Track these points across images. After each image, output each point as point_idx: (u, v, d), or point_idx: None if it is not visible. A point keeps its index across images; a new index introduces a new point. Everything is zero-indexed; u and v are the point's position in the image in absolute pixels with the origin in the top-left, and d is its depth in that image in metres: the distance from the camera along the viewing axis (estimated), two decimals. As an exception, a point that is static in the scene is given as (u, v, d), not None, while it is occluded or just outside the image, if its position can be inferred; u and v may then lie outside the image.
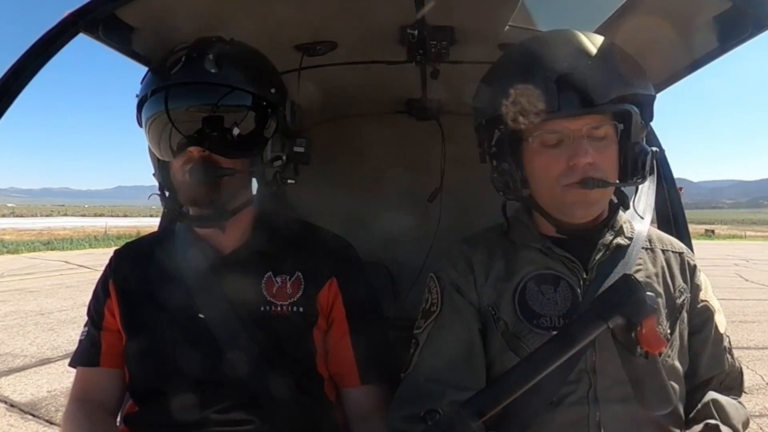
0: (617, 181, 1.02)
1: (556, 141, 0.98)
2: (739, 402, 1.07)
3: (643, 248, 1.09)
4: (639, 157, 1.00)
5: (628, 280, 0.91)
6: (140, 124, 1.14)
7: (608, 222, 1.07)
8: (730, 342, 1.11)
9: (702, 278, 1.12)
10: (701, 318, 1.08)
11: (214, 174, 1.08)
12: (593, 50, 0.96)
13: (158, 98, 1.08)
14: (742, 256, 22.28)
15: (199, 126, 1.08)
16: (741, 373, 1.11)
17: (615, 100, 0.95)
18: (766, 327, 7.75)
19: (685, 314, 1.07)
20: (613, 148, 1.00)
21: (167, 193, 1.16)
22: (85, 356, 1.22)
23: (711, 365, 1.08)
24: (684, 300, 1.07)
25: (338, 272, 1.20)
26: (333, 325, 1.20)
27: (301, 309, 1.15)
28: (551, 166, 0.99)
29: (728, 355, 1.09)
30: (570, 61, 0.95)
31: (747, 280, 13.57)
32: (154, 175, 1.18)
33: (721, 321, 1.10)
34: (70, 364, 1.24)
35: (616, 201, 1.10)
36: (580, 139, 0.96)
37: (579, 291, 1.03)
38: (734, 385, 1.10)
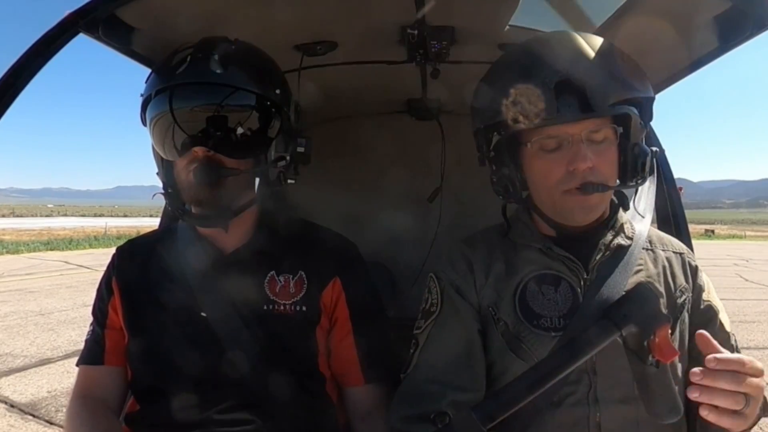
0: (617, 183, 1.01)
1: (555, 146, 0.98)
2: None
3: (643, 249, 1.08)
4: (639, 159, 1.00)
5: (642, 288, 0.90)
6: (144, 124, 1.14)
7: (608, 222, 1.07)
8: (736, 341, 1.10)
9: (704, 278, 1.12)
10: (705, 317, 1.08)
11: (218, 174, 1.08)
12: (591, 54, 0.96)
13: (163, 98, 1.08)
14: (741, 256, 22.27)
15: (204, 126, 1.07)
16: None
17: (614, 104, 0.94)
18: (766, 327, 7.76)
19: (686, 314, 1.06)
20: (613, 150, 0.99)
21: (171, 192, 1.16)
22: (89, 354, 1.22)
23: None
24: (685, 300, 1.07)
25: (342, 272, 1.20)
26: (336, 324, 1.20)
27: (304, 308, 1.15)
28: (551, 171, 0.99)
29: (737, 353, 1.07)
30: (568, 65, 0.94)
31: (747, 280, 13.57)
32: (157, 174, 1.18)
33: (725, 320, 1.09)
34: (77, 365, 1.24)
35: (616, 201, 1.10)
36: (579, 143, 0.96)
37: (579, 291, 1.02)
38: None
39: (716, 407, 0.79)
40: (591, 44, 0.98)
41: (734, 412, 0.80)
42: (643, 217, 1.12)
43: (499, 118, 0.98)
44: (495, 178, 1.07)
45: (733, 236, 47.62)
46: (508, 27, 1.30)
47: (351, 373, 1.21)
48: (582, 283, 1.03)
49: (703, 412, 0.79)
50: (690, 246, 1.35)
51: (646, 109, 1.01)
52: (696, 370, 0.79)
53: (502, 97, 0.96)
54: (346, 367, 1.21)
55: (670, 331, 1.02)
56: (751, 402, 0.80)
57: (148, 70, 1.17)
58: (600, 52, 0.97)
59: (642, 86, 0.98)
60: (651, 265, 1.08)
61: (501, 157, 1.04)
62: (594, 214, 1.02)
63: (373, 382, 1.21)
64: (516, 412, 0.84)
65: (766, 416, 0.99)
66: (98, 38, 1.13)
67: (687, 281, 1.09)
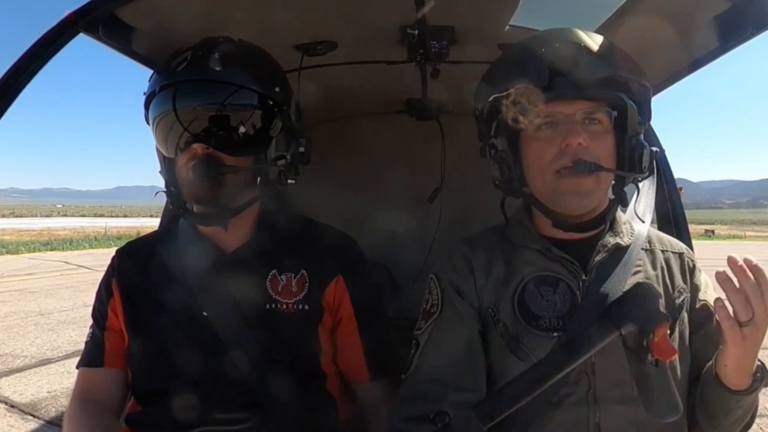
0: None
1: (550, 126, 0.99)
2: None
3: (642, 249, 1.08)
4: (636, 151, 1.00)
5: (641, 287, 0.90)
6: (147, 122, 1.15)
7: (605, 217, 1.07)
8: None
9: (702, 278, 1.11)
10: (701, 317, 1.08)
11: (218, 171, 1.08)
12: (587, 39, 0.98)
13: (164, 96, 1.09)
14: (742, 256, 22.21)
15: (205, 124, 1.08)
16: (764, 369, 0.99)
17: (606, 82, 0.95)
18: (766, 327, 7.72)
19: (685, 314, 1.06)
20: (609, 139, 1.00)
21: (173, 190, 1.17)
22: (88, 357, 1.22)
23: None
24: (684, 300, 1.07)
25: (344, 270, 1.21)
26: (341, 322, 1.21)
27: (306, 307, 1.16)
28: (544, 151, 0.99)
29: None
30: (562, 48, 0.97)
31: (747, 280, 13.53)
32: (160, 172, 1.19)
33: None
34: (78, 367, 1.24)
35: (613, 198, 1.10)
36: (573, 123, 0.97)
37: (578, 292, 1.02)
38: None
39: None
40: (587, 34, 1.00)
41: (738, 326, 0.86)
42: (643, 221, 1.13)
43: (498, 102, 1.00)
44: (493, 162, 1.07)
45: (734, 236, 47.55)
46: (508, 27, 1.30)
47: (357, 370, 1.23)
48: (581, 284, 1.03)
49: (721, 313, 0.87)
50: (690, 246, 1.35)
51: (643, 106, 1.01)
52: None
53: (500, 84, 0.99)
54: (353, 364, 1.23)
55: (669, 331, 1.02)
56: (752, 325, 0.86)
57: (149, 70, 1.18)
58: (595, 40, 0.99)
59: (636, 73, 0.99)
60: (650, 266, 1.08)
61: (500, 138, 1.05)
62: (588, 201, 1.01)
63: (379, 377, 1.23)
64: (516, 413, 0.84)
65: (766, 386, 0.99)
66: (98, 38, 1.13)
67: (685, 281, 1.09)
